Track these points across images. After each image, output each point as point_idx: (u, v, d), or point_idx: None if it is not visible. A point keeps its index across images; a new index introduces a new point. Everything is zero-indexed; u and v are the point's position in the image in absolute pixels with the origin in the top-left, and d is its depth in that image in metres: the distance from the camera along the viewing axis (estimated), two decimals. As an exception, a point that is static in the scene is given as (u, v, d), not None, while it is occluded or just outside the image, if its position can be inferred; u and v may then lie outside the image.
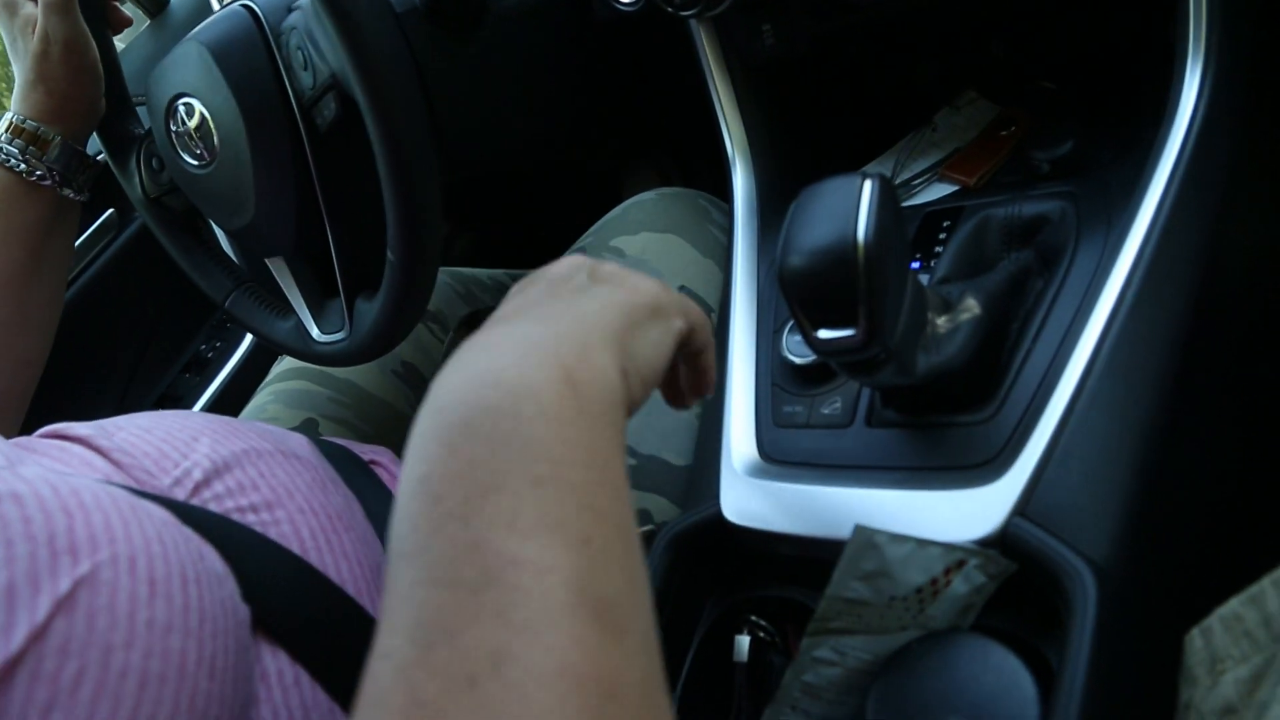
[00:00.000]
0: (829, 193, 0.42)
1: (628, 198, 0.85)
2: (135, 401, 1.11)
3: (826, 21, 0.68)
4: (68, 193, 0.72)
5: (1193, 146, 0.53)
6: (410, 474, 0.30)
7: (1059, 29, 0.70)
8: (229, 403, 1.11)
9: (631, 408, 0.36)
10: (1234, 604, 0.39)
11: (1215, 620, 0.40)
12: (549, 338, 0.33)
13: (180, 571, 0.39)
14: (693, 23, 0.71)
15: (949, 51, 0.75)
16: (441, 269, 0.98)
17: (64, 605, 0.33)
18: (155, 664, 0.35)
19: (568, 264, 0.40)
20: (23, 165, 0.69)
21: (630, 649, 0.28)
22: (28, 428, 0.72)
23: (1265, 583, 0.39)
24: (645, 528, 0.63)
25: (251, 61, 0.67)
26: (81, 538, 0.35)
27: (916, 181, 0.66)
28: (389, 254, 0.62)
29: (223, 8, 0.72)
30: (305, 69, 0.65)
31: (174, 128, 0.71)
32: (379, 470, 0.68)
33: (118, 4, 0.77)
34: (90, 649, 0.34)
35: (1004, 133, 0.66)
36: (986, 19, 0.72)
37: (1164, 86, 0.55)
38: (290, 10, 0.67)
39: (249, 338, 1.16)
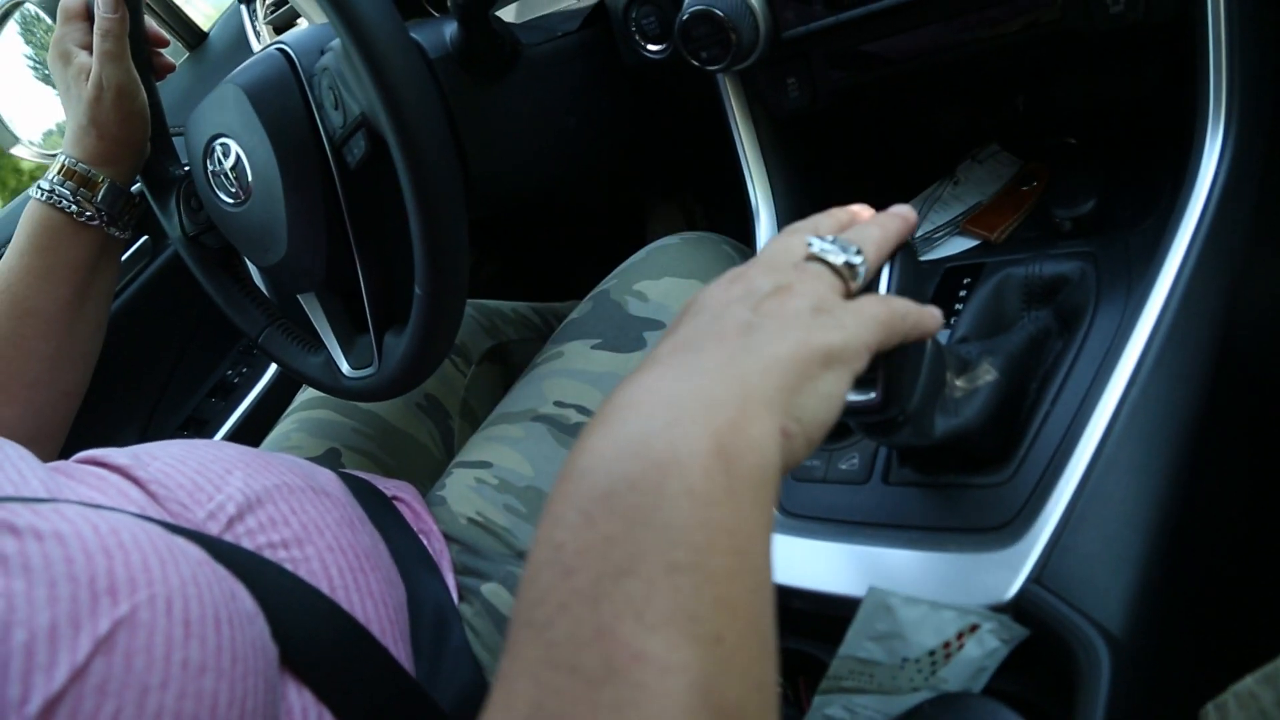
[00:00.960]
0: (850, 255, 0.43)
1: (653, 235, 0.86)
2: (161, 424, 1.13)
3: (851, 75, 0.69)
4: (113, 231, 0.74)
5: (1214, 210, 0.53)
6: (545, 538, 0.30)
7: (1082, 86, 0.70)
8: (253, 428, 1.13)
9: (790, 467, 0.33)
10: (1249, 682, 0.39)
11: (1230, 697, 0.40)
12: (704, 400, 0.31)
13: (214, 612, 0.40)
14: (719, 75, 0.72)
15: (972, 105, 0.76)
16: (465, 301, 0.99)
17: (103, 646, 0.35)
18: (189, 705, 0.37)
19: (732, 293, 0.37)
20: (73, 206, 0.71)
21: None
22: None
23: (1281, 661, 0.39)
24: None
25: (285, 103, 0.69)
26: (121, 579, 0.37)
27: (938, 235, 0.67)
28: (417, 288, 0.63)
29: (261, 49, 0.74)
30: (336, 108, 0.67)
31: (211, 167, 0.73)
32: (401, 506, 0.69)
33: (160, 51, 0.79)
34: (127, 689, 0.35)
35: (1026, 188, 0.67)
36: (1010, 75, 0.72)
37: (1186, 147, 0.55)
38: (323, 52, 0.69)
39: (274, 364, 1.18)
